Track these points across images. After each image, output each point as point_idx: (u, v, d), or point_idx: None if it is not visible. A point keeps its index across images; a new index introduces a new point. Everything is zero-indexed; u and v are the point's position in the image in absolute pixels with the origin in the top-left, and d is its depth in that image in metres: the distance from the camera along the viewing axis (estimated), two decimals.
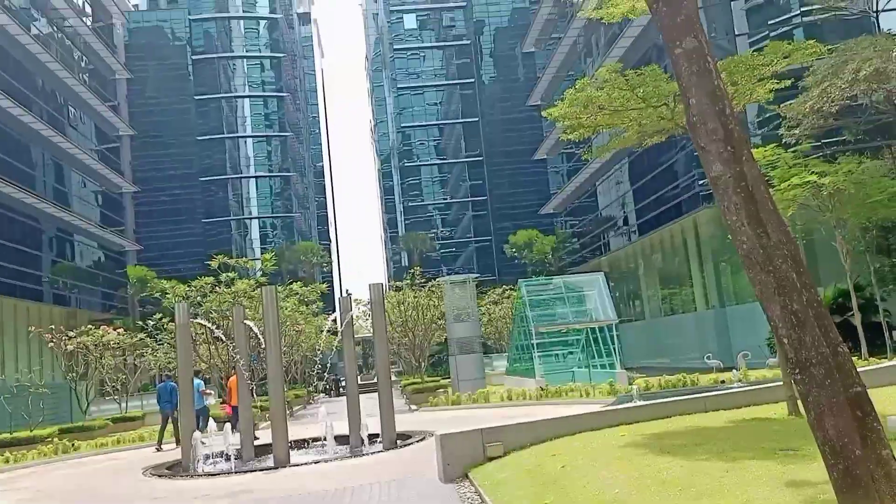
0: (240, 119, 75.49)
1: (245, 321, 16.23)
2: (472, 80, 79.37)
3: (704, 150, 5.59)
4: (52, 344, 28.97)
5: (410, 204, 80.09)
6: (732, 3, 31.43)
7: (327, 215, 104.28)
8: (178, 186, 71.23)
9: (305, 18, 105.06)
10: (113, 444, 21.07)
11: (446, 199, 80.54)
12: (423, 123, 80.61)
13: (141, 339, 33.25)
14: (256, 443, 15.45)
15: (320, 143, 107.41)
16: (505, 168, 76.24)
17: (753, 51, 27.32)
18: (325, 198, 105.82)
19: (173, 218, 70.26)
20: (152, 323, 31.52)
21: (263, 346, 15.27)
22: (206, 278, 28.99)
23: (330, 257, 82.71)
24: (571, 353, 29.67)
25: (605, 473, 8.04)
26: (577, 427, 11.31)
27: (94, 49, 54.06)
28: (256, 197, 75.23)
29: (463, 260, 77.46)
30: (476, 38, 79.97)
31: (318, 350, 33.20)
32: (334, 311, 28.29)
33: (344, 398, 18.60)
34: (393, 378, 20.84)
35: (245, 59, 76.38)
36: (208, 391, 19.57)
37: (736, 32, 31.31)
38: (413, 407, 25.45)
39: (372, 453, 13.82)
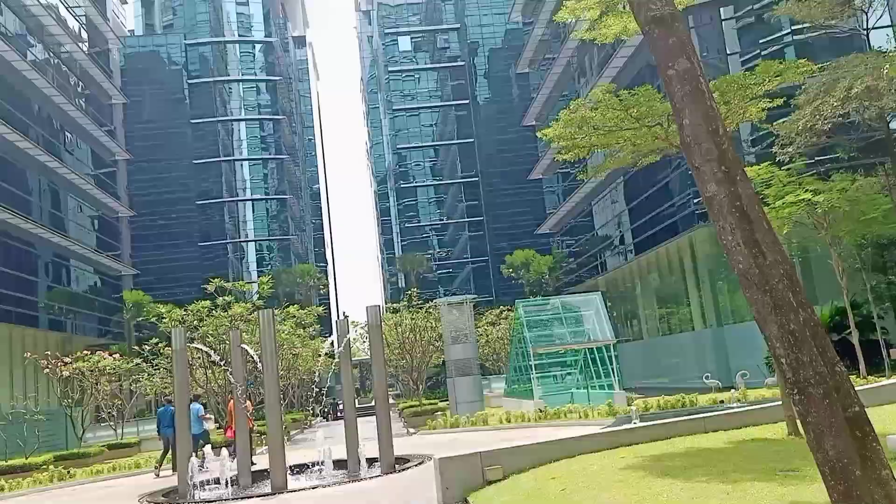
0: (236, 142, 75.74)
1: (242, 345, 16.15)
2: (467, 101, 79.84)
3: (699, 170, 5.61)
4: (47, 370, 28.78)
5: (407, 225, 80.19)
6: (724, 22, 31.74)
7: (324, 237, 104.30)
8: (174, 210, 71.31)
9: (300, 42, 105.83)
10: (109, 471, 20.85)
11: (443, 219, 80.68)
12: (419, 145, 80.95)
13: (137, 364, 33.05)
14: (254, 468, 15.31)
15: (316, 166, 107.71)
16: (501, 188, 76.46)
17: (745, 69, 27.56)
18: (322, 220, 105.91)
19: (169, 242, 70.25)
20: (148, 348, 31.36)
21: (261, 370, 15.19)
22: (203, 302, 28.88)
23: (327, 280, 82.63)
24: (570, 373, 29.57)
25: (606, 496, 7.96)
26: (577, 449, 11.23)
27: (91, 74, 54.30)
28: (253, 220, 75.27)
29: (460, 281, 77.40)
30: (470, 60, 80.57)
31: (316, 374, 33.02)
32: (331, 333, 28.18)
33: (341, 422, 18.47)
34: (390, 401, 20.71)
35: (241, 83, 76.81)
36: (208, 416, 19.42)
37: (728, 51, 31.60)
38: (411, 430, 25.27)
39: (370, 478, 13.70)
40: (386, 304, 74.38)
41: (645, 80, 33.55)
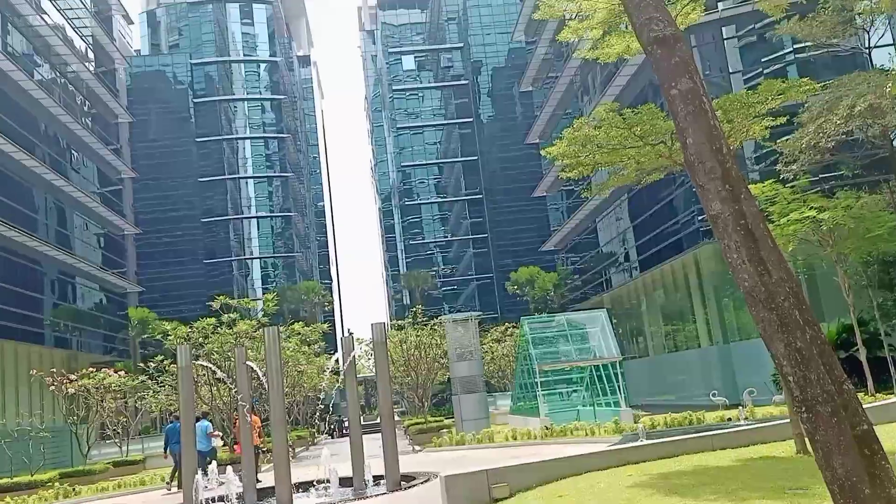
0: (241, 160, 76.15)
1: (247, 362, 16.17)
2: (471, 119, 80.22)
3: (703, 189, 5.66)
4: (53, 387, 28.83)
5: (411, 242, 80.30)
6: (726, 41, 31.92)
7: (328, 255, 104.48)
8: (179, 227, 71.61)
9: (305, 61, 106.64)
10: (114, 488, 20.82)
11: (447, 237, 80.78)
12: (423, 162, 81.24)
13: (142, 381, 33.08)
14: (259, 485, 15.28)
15: (321, 183, 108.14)
16: (505, 205, 76.61)
17: (748, 88, 27.70)
18: (327, 237, 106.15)
19: (175, 259, 70.48)
20: (153, 365, 31.39)
21: (266, 387, 15.19)
22: (208, 319, 28.94)
23: (331, 297, 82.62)
24: (576, 391, 29.46)
25: None
26: (583, 467, 11.20)
27: (97, 94, 54.76)
28: (258, 237, 75.49)
29: (465, 298, 77.35)
30: (474, 78, 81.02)
31: (321, 391, 32.99)
32: (336, 350, 28.20)
33: (347, 439, 18.43)
34: (396, 418, 20.67)
35: (246, 102, 77.36)
36: (216, 433, 19.40)
37: (730, 70, 31.74)
38: (417, 447, 25.18)
39: (376, 495, 13.65)
40: (391, 321, 74.34)
41: (648, 97, 33.81)
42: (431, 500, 11.13)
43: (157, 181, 70.57)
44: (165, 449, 20.23)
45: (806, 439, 7.33)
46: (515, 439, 21.34)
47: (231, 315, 28.89)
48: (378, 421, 15.85)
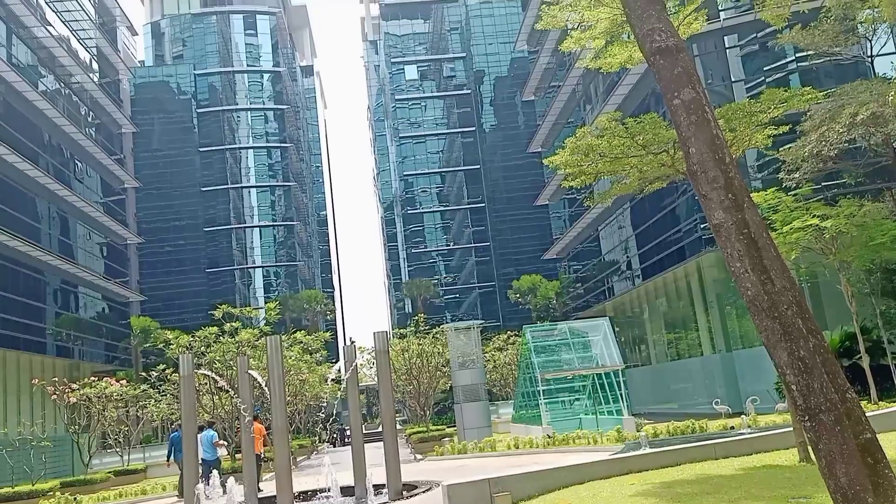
0: (244, 170, 76.34)
1: (249, 371, 16.17)
2: (473, 128, 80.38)
3: (706, 198, 5.68)
4: (54, 396, 28.84)
5: (413, 251, 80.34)
6: (728, 50, 31.99)
7: (331, 263, 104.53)
8: (182, 237, 71.77)
9: (308, 71, 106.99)
10: (115, 497, 20.80)
11: (449, 245, 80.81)
12: (425, 171, 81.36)
13: (144, 390, 33.09)
14: (260, 495, 15.25)
15: (323, 192, 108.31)
16: (507, 214, 76.66)
17: (750, 96, 27.76)
18: (329, 246, 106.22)
19: (177, 268, 70.62)
20: (155, 374, 31.40)
21: (268, 396, 15.18)
22: (210, 328, 28.96)
23: (333, 305, 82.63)
24: (578, 399, 29.40)
25: None
26: (586, 476, 11.17)
27: (101, 104, 54.96)
28: (260, 246, 75.57)
29: (467, 306, 77.30)
30: (476, 88, 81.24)
31: (323, 399, 32.96)
32: (338, 359, 28.16)
33: (348, 448, 18.41)
34: (398, 427, 20.64)
35: (249, 112, 77.62)
36: (221, 442, 19.37)
37: (732, 78, 31.78)
38: (418, 456, 25.13)
39: None
40: (393, 329, 74.27)
41: (650, 106, 33.88)
42: None
43: (160, 191, 70.84)
44: (169, 457, 20.19)
45: (809, 448, 7.31)
46: (518, 448, 21.29)
47: (233, 324, 28.90)
48: (380, 429, 15.84)
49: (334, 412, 43.62)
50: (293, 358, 32.62)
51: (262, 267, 74.82)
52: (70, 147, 48.77)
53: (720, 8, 30.52)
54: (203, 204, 73.06)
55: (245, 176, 76.17)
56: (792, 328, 4.96)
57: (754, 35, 31.25)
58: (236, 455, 25.06)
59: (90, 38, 54.40)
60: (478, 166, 79.28)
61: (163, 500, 19.58)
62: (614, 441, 18.73)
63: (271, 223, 76.11)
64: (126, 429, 32.65)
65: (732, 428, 18.18)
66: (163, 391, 33.82)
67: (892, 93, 18.41)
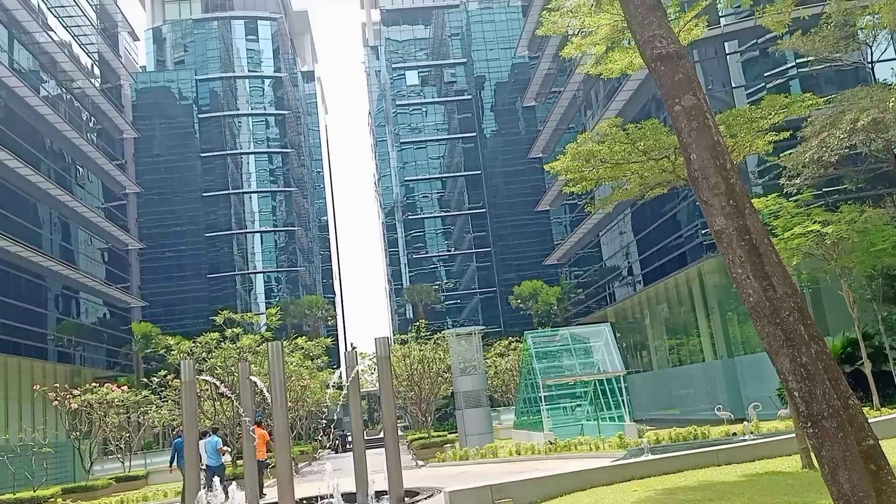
0: (245, 175, 76.43)
1: (250, 377, 16.16)
2: (474, 133, 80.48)
3: (707, 204, 5.69)
4: (55, 402, 28.83)
5: (414, 256, 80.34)
6: (728, 56, 32.05)
7: (332, 269, 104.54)
8: (183, 242, 71.83)
9: (309, 76, 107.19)
10: (116, 503, 20.77)
11: (450, 251, 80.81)
12: (426, 177, 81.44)
13: (145, 396, 33.07)
14: (263, 500, 15.22)
15: (324, 198, 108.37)
16: (508, 219, 76.68)
17: (751, 102, 27.79)
18: (330, 251, 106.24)
19: (178, 274, 70.66)
20: (156, 380, 31.39)
21: (269, 402, 15.17)
22: (212, 334, 28.98)
23: (334, 311, 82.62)
24: (579, 405, 29.37)
25: None
26: (588, 482, 11.16)
27: (103, 109, 55.06)
28: (261, 252, 75.61)
29: (468, 312, 77.27)
30: (477, 93, 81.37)
31: (324, 405, 32.93)
32: (339, 365, 28.12)
33: (350, 454, 18.39)
34: (399, 433, 20.62)
35: (250, 117, 77.74)
36: (225, 448, 19.34)
37: (733, 84, 31.84)
38: (420, 462, 25.09)
39: None
40: (394, 335, 74.23)
41: (651, 112, 33.92)
42: None
43: (162, 196, 70.93)
44: (171, 462, 20.11)
45: (812, 454, 7.30)
46: (519, 454, 21.26)
47: (234, 330, 28.93)
48: (381, 435, 15.82)
49: (335, 418, 43.57)
50: (294, 364, 32.62)
51: (264, 272, 74.84)
52: (71, 152, 48.85)
53: (720, 14, 30.56)
54: (204, 209, 73.16)
55: (246, 181, 76.26)
56: (794, 334, 4.96)
57: (755, 41, 31.30)
58: (237, 461, 25.03)
59: (92, 44, 54.54)
60: (479, 172, 79.36)
61: None
62: (616, 447, 18.70)
63: (272, 228, 76.15)
64: (127, 435, 32.62)
65: (734, 434, 18.15)
66: (164, 397, 33.80)
67: (893, 99, 18.43)
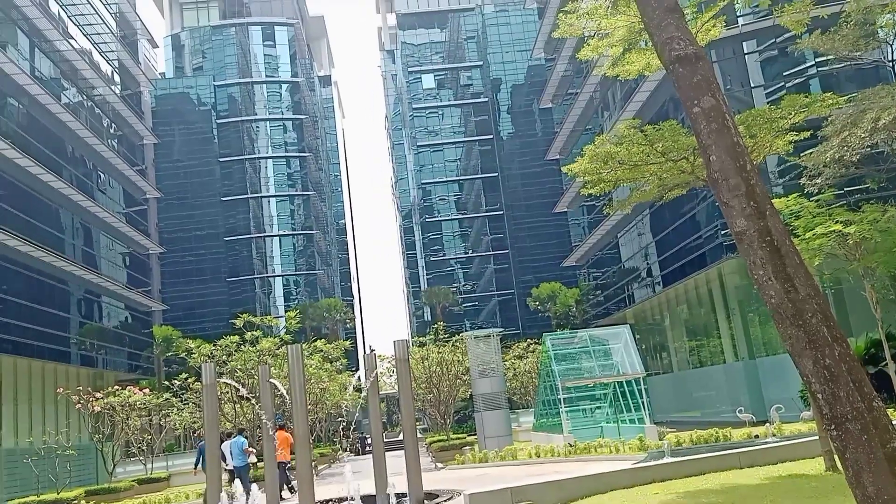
0: (263, 179, 76.95)
1: (271, 380, 16.26)
2: (491, 136, 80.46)
3: (727, 206, 5.67)
4: (79, 405, 29.17)
5: (432, 259, 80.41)
6: (747, 55, 31.81)
7: (350, 272, 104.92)
8: (202, 246, 72.44)
9: (326, 81, 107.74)
10: None
11: (468, 253, 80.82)
12: (443, 179, 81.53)
13: (166, 399, 33.37)
14: (282, 503, 15.32)
15: (342, 201, 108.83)
16: (525, 221, 76.58)
17: (770, 102, 27.56)
18: (348, 254, 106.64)
19: (198, 277, 71.27)
20: (178, 383, 31.66)
21: (289, 404, 15.26)
22: (232, 337, 29.20)
23: (353, 313, 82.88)
24: (599, 407, 29.25)
25: None
26: (608, 485, 11.12)
27: (123, 116, 55.69)
28: (280, 255, 76.06)
29: (486, 314, 77.21)
30: (493, 96, 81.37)
31: (344, 408, 33.04)
32: (358, 368, 28.25)
33: (369, 456, 18.46)
34: (418, 435, 20.66)
35: (268, 122, 78.27)
36: (251, 449, 19.51)
37: (752, 84, 31.61)
38: (439, 465, 25.10)
39: None
40: (412, 337, 74.31)
41: (669, 113, 33.74)
42: None
43: (181, 201, 71.62)
44: (196, 465, 20.29)
45: (835, 457, 7.23)
46: (539, 456, 21.21)
47: (254, 333, 29.12)
48: (400, 438, 15.85)
49: (355, 420, 43.66)
50: (314, 366, 32.77)
51: (282, 276, 75.28)
52: (93, 158, 49.45)
53: (738, 14, 30.36)
54: (223, 213, 73.76)
55: (264, 185, 76.79)
56: (817, 336, 4.93)
57: (773, 40, 31.05)
58: (258, 464, 25.20)
59: (112, 51, 55.19)
60: (496, 174, 79.34)
61: None
62: (636, 450, 18.61)
63: (291, 232, 76.60)
64: (149, 437, 32.92)
65: (757, 437, 18.00)
66: (185, 400, 34.10)
67: None
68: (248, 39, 79.75)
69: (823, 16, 18.00)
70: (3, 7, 39.88)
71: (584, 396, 28.97)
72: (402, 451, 14.92)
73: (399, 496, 14.59)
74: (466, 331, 39.27)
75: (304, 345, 30.28)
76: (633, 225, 44.61)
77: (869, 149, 20.35)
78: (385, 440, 16.42)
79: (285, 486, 19.34)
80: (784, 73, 30.82)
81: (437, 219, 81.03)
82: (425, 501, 14.21)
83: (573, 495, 10.67)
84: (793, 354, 5.08)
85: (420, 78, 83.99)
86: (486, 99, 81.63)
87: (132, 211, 56.78)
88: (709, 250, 33.16)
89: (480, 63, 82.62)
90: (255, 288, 73.37)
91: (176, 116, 74.66)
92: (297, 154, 78.45)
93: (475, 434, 29.79)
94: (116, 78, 56.37)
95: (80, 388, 30.34)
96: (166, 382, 34.50)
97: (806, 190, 21.26)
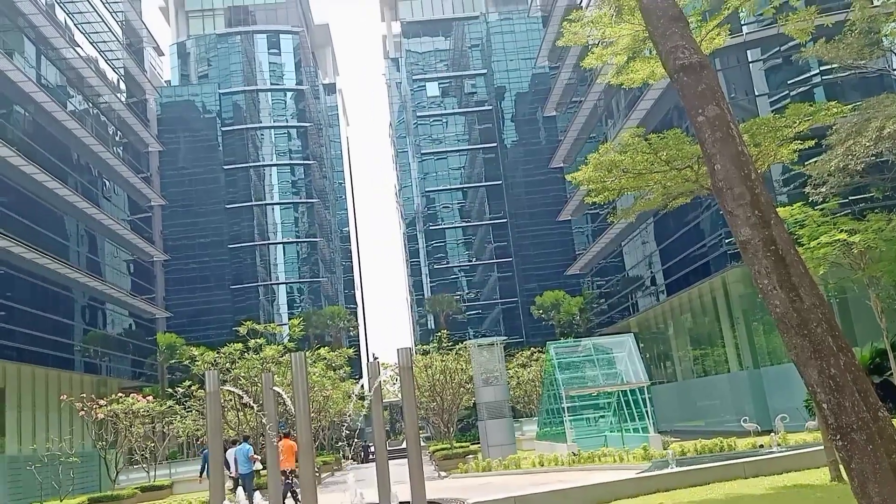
0: (267, 187, 77.14)
1: (274, 387, 16.25)
2: (495, 143, 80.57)
3: (732, 215, 5.66)
4: (82, 412, 29.17)
5: (436, 267, 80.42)
6: (751, 63, 31.83)
7: (353, 279, 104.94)
8: (206, 254, 72.60)
9: (331, 89, 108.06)
10: None
11: (471, 261, 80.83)
12: (447, 187, 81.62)
13: (169, 406, 33.36)
14: None
15: (346, 209, 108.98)
16: (529, 229, 76.58)
17: (774, 110, 27.56)
18: (352, 262, 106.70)
19: (202, 285, 71.40)
20: (181, 390, 31.66)
21: (292, 412, 15.24)
22: (235, 345, 29.21)
23: (356, 321, 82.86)
24: (603, 416, 29.16)
25: None
26: (612, 494, 11.08)
27: (128, 123, 55.91)
28: (283, 262, 76.16)
29: (489, 322, 77.13)
30: (497, 104, 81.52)
31: (347, 416, 33.02)
32: (361, 375, 28.25)
33: (372, 465, 18.41)
34: (421, 444, 20.60)
35: (273, 130, 78.53)
36: (256, 456, 19.52)
37: (756, 92, 31.61)
38: (442, 473, 25.04)
39: None
40: (416, 345, 74.24)
41: (673, 121, 33.75)
42: None
43: (186, 208, 71.83)
44: (202, 473, 20.28)
45: (841, 467, 7.20)
46: (542, 465, 21.14)
47: (258, 340, 29.13)
48: (404, 446, 15.82)
49: (358, 429, 43.63)
50: (317, 374, 32.76)
51: (286, 283, 75.34)
52: (98, 166, 49.63)
53: (743, 22, 30.39)
54: (227, 221, 73.93)
55: (269, 193, 76.98)
56: (822, 346, 4.92)
57: (777, 49, 31.07)
58: (261, 471, 25.16)
59: (118, 59, 55.47)
60: (499, 182, 79.40)
61: None
62: (641, 459, 18.53)
63: (295, 240, 76.70)
64: (152, 445, 32.91)
65: (762, 446, 17.92)
66: (188, 407, 34.09)
67: None
68: (253, 47, 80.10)
69: (828, 24, 18.03)
70: (10, 15, 40.13)
71: (588, 405, 28.88)
72: (406, 460, 14.88)
73: None
74: (470, 339, 39.20)
75: (307, 353, 30.27)
76: (637, 233, 44.56)
77: (873, 157, 20.33)
78: (388, 448, 16.38)
79: (289, 495, 19.31)
80: (788, 82, 30.82)
81: (440, 226, 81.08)
82: None
83: None
84: (798, 364, 5.06)
85: (424, 86, 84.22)
86: (490, 107, 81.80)
87: (137, 218, 56.93)
88: (713, 259, 33.10)
89: (484, 71, 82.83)
90: (259, 295, 73.44)
91: (181, 124, 74.97)
92: (302, 162, 78.66)
93: (478, 443, 29.72)
94: (122, 86, 56.61)
95: (84, 395, 30.35)
96: (170, 390, 34.54)
97: (810, 199, 21.23)
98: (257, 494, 15.30)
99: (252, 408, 25.23)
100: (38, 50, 43.04)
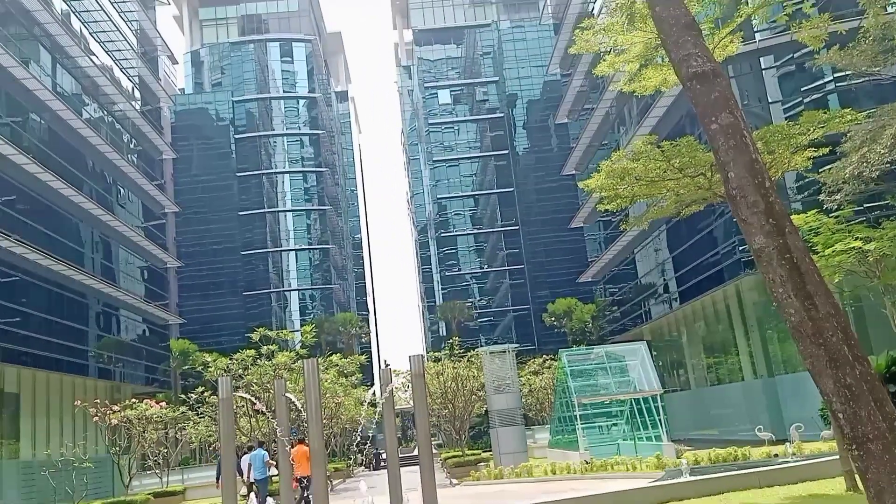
0: (280, 194, 77.52)
1: (286, 394, 16.28)
2: (506, 151, 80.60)
3: (746, 223, 5.64)
4: (96, 418, 29.34)
5: (447, 273, 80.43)
6: (764, 71, 31.72)
7: (365, 286, 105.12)
8: (219, 260, 72.98)
9: (343, 96, 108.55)
10: None
11: (483, 268, 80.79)
12: (459, 194, 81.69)
13: (183, 412, 33.50)
14: None
15: (358, 216, 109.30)
16: (541, 236, 76.49)
17: (788, 118, 27.45)
18: (363, 269, 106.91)
19: (215, 291, 71.76)
20: (194, 396, 31.78)
21: (304, 419, 15.28)
22: (248, 351, 29.31)
23: (368, 328, 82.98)
24: (615, 424, 29.03)
25: None
26: (625, 503, 11.02)
27: (143, 131, 56.39)
28: (296, 269, 76.41)
29: (501, 329, 77.00)
30: (509, 111, 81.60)
31: (359, 422, 33.04)
32: (373, 382, 28.28)
33: (384, 471, 18.39)
34: (433, 451, 20.56)
35: (285, 137, 78.95)
36: (272, 462, 19.58)
37: (769, 100, 31.48)
38: (454, 481, 24.97)
39: None
40: (427, 352, 74.21)
41: (685, 128, 33.67)
42: None
43: (199, 215, 72.30)
44: (218, 479, 20.34)
45: (856, 477, 7.14)
46: (555, 473, 21.06)
47: (270, 347, 29.21)
48: (415, 453, 15.81)
49: (370, 435, 43.62)
50: (329, 381, 32.80)
51: (298, 290, 75.57)
52: (112, 173, 50.05)
53: (756, 29, 30.30)
54: (240, 228, 74.33)
55: (281, 200, 77.36)
56: (838, 355, 4.89)
57: (791, 56, 30.96)
58: (274, 477, 25.22)
59: (132, 67, 55.99)
60: (511, 189, 79.39)
61: None
62: (654, 468, 18.43)
63: (307, 247, 76.98)
64: (165, 450, 33.03)
65: (776, 455, 17.78)
66: (201, 413, 34.21)
67: None
68: (266, 56, 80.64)
69: (842, 31, 17.92)
70: (26, 24, 40.61)
71: (601, 413, 28.76)
72: (417, 467, 14.86)
73: None
74: (482, 346, 39.15)
75: (319, 359, 30.32)
76: (650, 241, 44.41)
77: (888, 165, 20.15)
78: (400, 455, 16.38)
79: (303, 501, 19.35)
80: (802, 89, 30.68)
81: (452, 233, 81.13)
82: None
83: None
84: (813, 373, 5.03)
85: (436, 93, 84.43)
86: (502, 114, 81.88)
87: (151, 225, 57.35)
88: (727, 266, 32.93)
89: (496, 78, 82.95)
90: (272, 302, 73.70)
91: (194, 132, 75.55)
92: (314, 169, 79.00)
93: (490, 450, 29.64)
94: (136, 94, 57.13)
95: (98, 400, 30.52)
96: (183, 396, 34.70)
97: (825, 206, 21.09)
98: (270, 500, 15.31)
99: (264, 414, 25.29)
100: (54, 58, 43.51)
